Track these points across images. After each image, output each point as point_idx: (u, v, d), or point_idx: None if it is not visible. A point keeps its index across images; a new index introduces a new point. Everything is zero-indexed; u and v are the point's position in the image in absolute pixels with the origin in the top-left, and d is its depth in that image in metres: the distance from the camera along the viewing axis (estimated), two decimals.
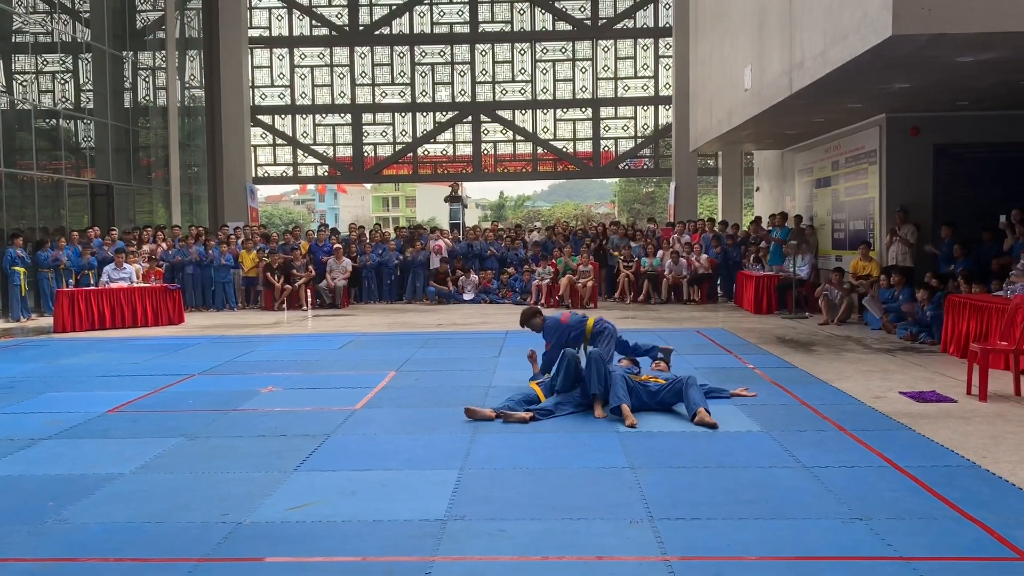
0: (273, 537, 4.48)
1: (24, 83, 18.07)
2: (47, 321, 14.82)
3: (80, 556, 4.24)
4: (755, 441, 6.29)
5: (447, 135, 25.89)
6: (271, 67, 25.74)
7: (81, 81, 19.89)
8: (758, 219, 18.60)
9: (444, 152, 26.08)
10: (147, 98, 22.84)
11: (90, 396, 8.31)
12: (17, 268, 15.21)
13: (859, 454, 5.90)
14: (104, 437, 6.70)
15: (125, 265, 15.14)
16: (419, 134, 25.77)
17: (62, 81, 19.32)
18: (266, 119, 25.77)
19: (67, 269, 15.78)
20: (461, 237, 20.63)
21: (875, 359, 9.98)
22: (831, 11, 10.09)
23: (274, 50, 25.67)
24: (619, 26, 25.12)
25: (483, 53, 25.49)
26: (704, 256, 17.49)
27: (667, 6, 24.75)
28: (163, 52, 22.90)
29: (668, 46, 24.77)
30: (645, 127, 25.44)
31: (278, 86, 25.79)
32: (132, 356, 10.98)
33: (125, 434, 6.77)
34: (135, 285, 14.83)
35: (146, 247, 17.30)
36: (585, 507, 4.83)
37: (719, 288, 17.92)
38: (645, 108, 25.37)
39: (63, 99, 19.21)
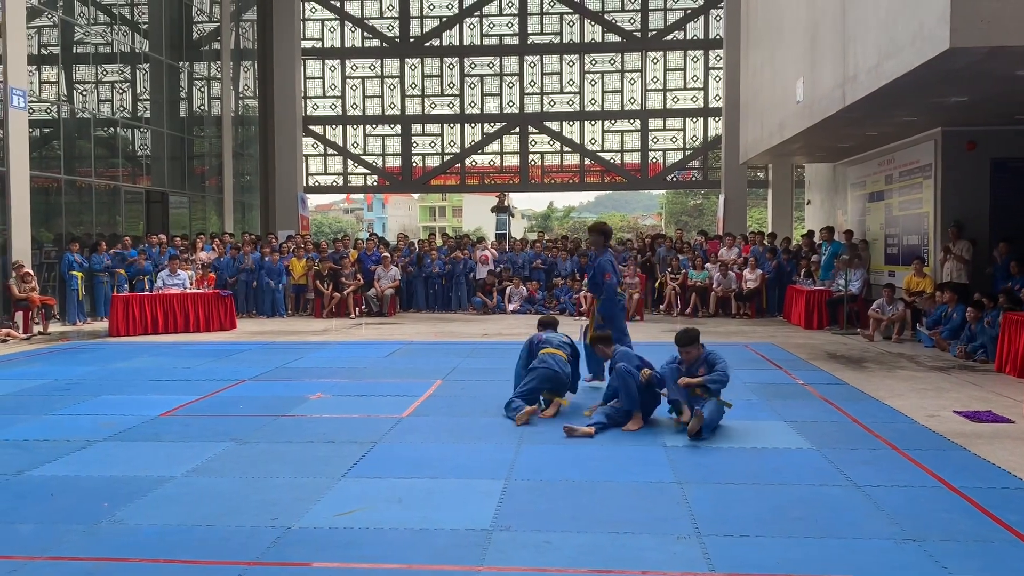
0: (321, 543, 4.52)
1: (84, 92, 18.54)
2: (102, 325, 15.16)
3: (133, 557, 4.32)
4: (805, 458, 6.20)
5: (495, 146, 25.99)
6: (323, 78, 26.10)
7: (139, 91, 20.35)
8: (810, 233, 18.36)
9: (491, 163, 26.18)
10: (202, 107, 23.30)
11: (143, 400, 8.48)
12: (75, 273, 15.59)
13: (912, 474, 5.79)
14: (157, 440, 6.83)
15: (179, 272, 15.44)
16: (467, 145, 25.92)
17: (120, 91, 19.78)
18: (317, 129, 26.13)
19: (116, 272, 16.16)
20: (508, 247, 20.67)
21: (928, 377, 9.78)
22: (886, 24, 9.95)
23: (326, 61, 26.04)
24: (669, 38, 25.03)
25: (532, 64, 25.57)
26: (758, 271, 17.25)
27: (718, 18, 24.62)
28: (218, 63, 23.37)
29: (718, 58, 24.62)
30: (694, 139, 25.30)
31: (330, 97, 26.14)
32: (184, 361, 11.18)
33: (177, 437, 6.89)
34: (188, 291, 15.11)
35: (202, 254, 17.64)
36: (631, 521, 4.81)
37: (768, 303, 17.68)
38: (694, 120, 25.22)
39: (121, 108, 19.67)
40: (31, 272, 14.73)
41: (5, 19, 14.81)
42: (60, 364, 11.01)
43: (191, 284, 15.52)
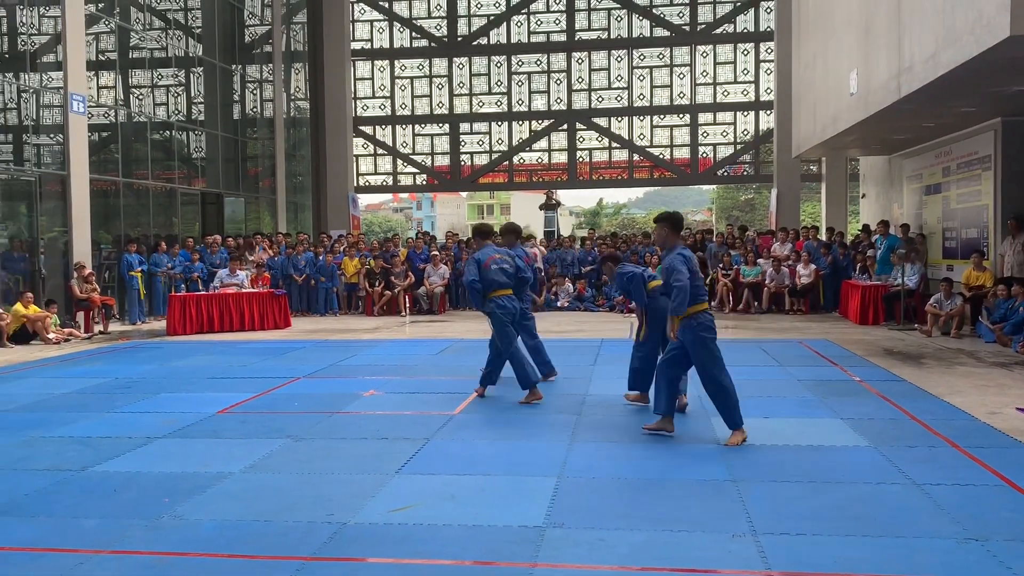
0: (376, 538, 4.57)
1: (140, 96, 18.96)
2: (160, 324, 15.49)
3: (194, 551, 4.41)
4: (862, 456, 6.10)
5: (542, 143, 25.99)
6: (372, 79, 26.34)
7: (193, 94, 20.75)
8: (866, 227, 18.03)
9: (539, 160, 26.18)
10: (255, 110, 23.67)
11: (201, 397, 8.64)
12: (134, 273, 15.95)
13: (973, 472, 5.66)
14: (215, 437, 6.96)
15: (238, 272, 15.75)
16: (515, 142, 25.95)
17: (175, 94, 20.18)
18: (367, 129, 26.38)
19: (174, 274, 16.50)
20: (556, 245, 20.65)
21: (990, 373, 9.55)
22: (943, 12, 9.73)
23: (375, 62, 26.27)
24: (718, 31, 24.78)
25: (579, 61, 25.50)
26: (812, 266, 16.99)
27: (768, 10, 24.30)
28: (270, 65, 23.71)
29: (769, 50, 24.31)
30: (745, 133, 25.01)
31: (379, 97, 26.37)
32: (240, 359, 11.38)
33: (234, 434, 7.02)
34: (243, 290, 15.38)
35: (263, 254, 17.95)
36: (686, 519, 4.78)
37: (823, 298, 17.39)
38: (745, 113, 24.93)
39: (176, 111, 20.07)
40: (92, 273, 15.11)
41: (65, 27, 15.21)
42: (120, 363, 11.28)
43: (247, 283, 15.79)
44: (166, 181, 19.35)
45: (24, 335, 13.34)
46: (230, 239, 18.74)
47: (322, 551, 4.38)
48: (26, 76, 15.44)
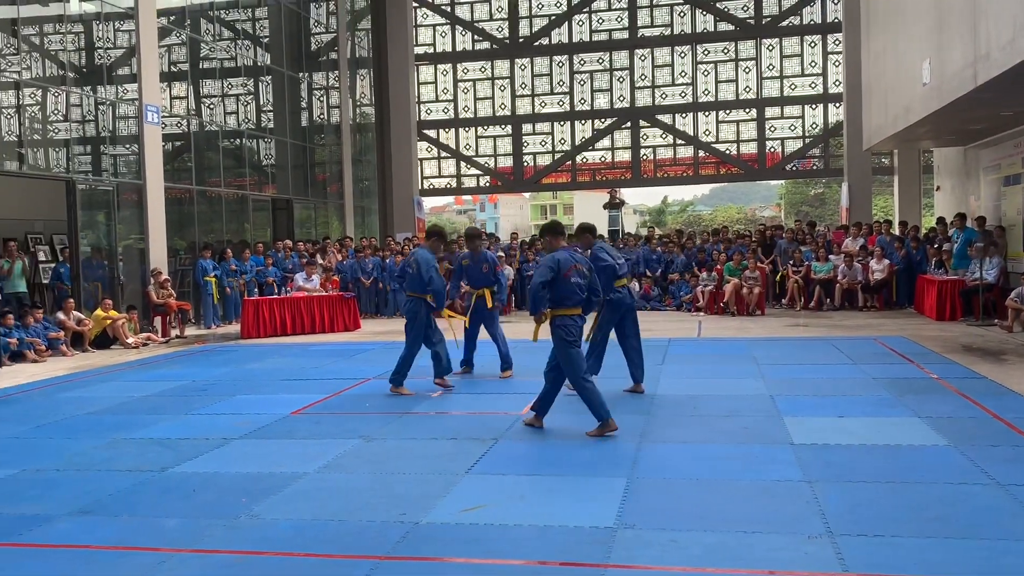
0: (448, 538, 4.61)
1: (211, 106, 19.41)
2: (235, 328, 15.85)
3: (272, 550, 4.51)
4: (942, 456, 5.94)
5: (605, 142, 25.87)
6: (435, 82, 26.56)
7: (262, 102, 21.18)
8: (941, 220, 17.53)
9: (602, 159, 26.07)
10: (322, 116, 24.05)
11: (275, 399, 8.82)
12: (209, 278, 16.36)
13: None
14: (289, 438, 7.09)
15: (313, 276, 16.06)
16: (577, 142, 25.89)
17: (245, 103, 20.62)
18: (431, 133, 26.60)
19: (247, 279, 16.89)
20: (621, 244, 20.52)
21: None
22: None
23: (438, 66, 26.47)
24: (784, 23, 24.34)
25: (642, 58, 25.32)
26: (885, 261, 16.58)
27: (835, 1, 23.78)
28: (336, 72, 24.08)
29: (837, 42, 23.79)
30: (814, 126, 24.53)
31: (442, 100, 26.57)
32: (312, 361, 11.58)
33: (308, 435, 7.15)
34: (315, 294, 15.65)
35: (332, 258, 18.26)
36: (759, 520, 4.71)
37: (897, 294, 16.94)
38: (813, 107, 24.45)
39: (246, 120, 20.52)
40: (168, 279, 15.55)
41: (139, 40, 15.67)
42: (197, 366, 11.58)
43: (318, 287, 16.08)
44: (238, 188, 19.79)
45: (104, 340, 13.79)
46: (301, 243, 19.10)
47: (395, 550, 4.44)
48: (103, 89, 15.95)
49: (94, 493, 5.61)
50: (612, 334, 8.67)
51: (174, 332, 15.16)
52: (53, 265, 15.55)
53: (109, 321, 13.77)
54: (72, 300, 13.74)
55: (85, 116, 15.77)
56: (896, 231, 18.01)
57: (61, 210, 14.67)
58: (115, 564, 4.37)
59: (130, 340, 13.82)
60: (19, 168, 14.58)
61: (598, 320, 8.52)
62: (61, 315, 13.44)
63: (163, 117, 16.56)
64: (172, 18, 17.86)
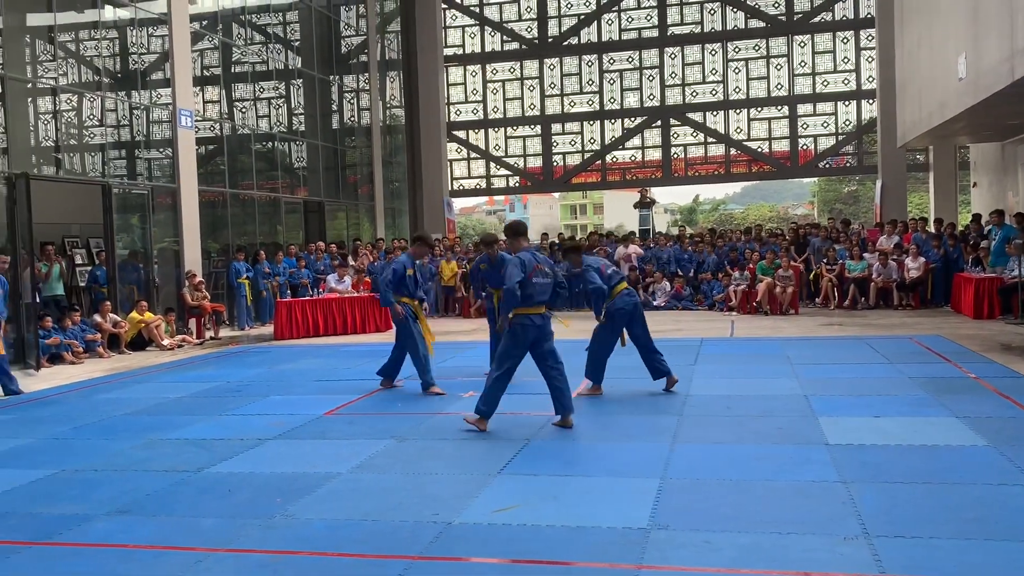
0: (481, 538, 4.62)
1: (243, 110, 19.60)
2: (268, 329, 15.99)
3: (306, 550, 4.54)
4: (980, 456, 5.85)
5: (635, 140, 25.78)
6: (465, 83, 26.62)
7: (293, 105, 21.34)
8: (977, 216, 17.27)
9: (632, 158, 25.98)
10: (352, 119, 24.21)
11: (309, 399, 8.89)
12: (242, 280, 16.51)
13: None
14: (322, 438, 7.15)
15: (345, 277, 16.18)
16: (607, 141, 25.82)
17: (276, 106, 20.80)
18: (460, 134, 26.67)
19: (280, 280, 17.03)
20: (652, 243, 20.44)
21: None
22: None
23: (467, 67, 26.53)
24: (816, 20, 24.12)
25: (672, 56, 25.20)
26: (921, 259, 16.35)
27: None
28: (366, 74, 24.22)
29: (870, 37, 23.52)
30: (847, 123, 24.27)
31: (472, 101, 26.62)
32: (345, 361, 11.65)
33: (341, 435, 7.20)
34: (347, 295, 15.75)
35: (367, 256, 18.37)
36: (794, 521, 4.66)
37: (933, 292, 16.70)
38: (846, 103, 24.19)
39: (278, 123, 20.69)
40: (203, 281, 15.71)
41: (172, 45, 15.86)
42: (231, 367, 11.69)
43: (350, 288, 16.18)
44: (270, 191, 19.96)
45: (140, 342, 13.97)
46: (332, 245, 19.23)
47: (429, 550, 4.45)
48: (137, 94, 16.16)
49: (132, 493, 5.69)
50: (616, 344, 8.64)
51: (208, 334, 15.32)
52: (90, 268, 15.78)
53: (144, 324, 13.95)
54: (108, 303, 13.94)
55: (120, 121, 15.99)
56: (931, 228, 17.76)
57: (97, 214, 14.88)
58: (153, 563, 4.43)
59: (165, 342, 13.99)
60: (56, 173, 14.81)
61: (596, 332, 8.52)
62: (98, 317, 13.64)
63: (196, 121, 16.75)
64: (204, 23, 18.05)
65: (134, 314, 14.03)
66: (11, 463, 6.66)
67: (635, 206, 25.35)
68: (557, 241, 20.17)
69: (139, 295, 15.01)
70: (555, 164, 26.28)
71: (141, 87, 16.22)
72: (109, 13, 15.78)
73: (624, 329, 8.54)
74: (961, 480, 5.32)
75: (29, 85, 14.28)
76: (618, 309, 8.40)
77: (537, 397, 8.54)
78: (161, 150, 16.52)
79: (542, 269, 7.20)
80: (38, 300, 12.61)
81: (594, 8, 25.47)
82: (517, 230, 7.68)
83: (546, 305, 7.25)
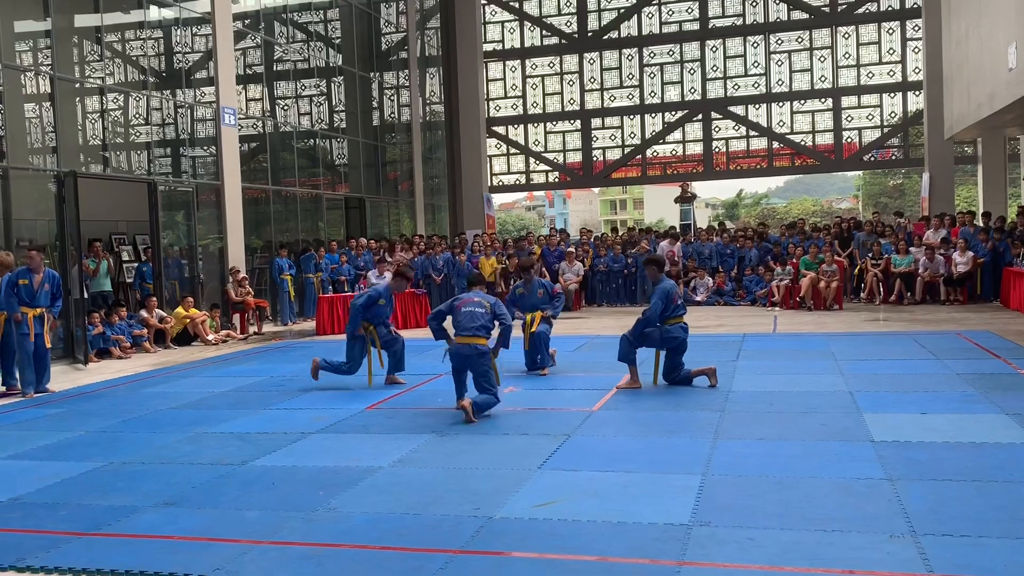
0: (521, 533, 4.62)
1: (285, 107, 19.81)
2: (310, 325, 16.15)
3: (349, 543, 4.57)
4: None
5: (676, 135, 25.59)
6: (504, 79, 26.62)
7: (334, 103, 21.52)
8: (1022, 210, 16.89)
9: (673, 152, 25.80)
10: (392, 115, 24.34)
11: (350, 394, 8.96)
12: (285, 276, 16.70)
13: None
14: (364, 432, 7.20)
15: (385, 272, 16.25)
16: (648, 135, 25.66)
17: (318, 104, 20.99)
18: (500, 130, 26.68)
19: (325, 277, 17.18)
20: (693, 238, 20.29)
21: None
22: None
23: (507, 62, 26.53)
24: (861, 10, 23.74)
25: (713, 49, 24.97)
26: (969, 253, 16.03)
27: None
28: (406, 71, 24.33)
29: (916, 28, 23.10)
30: (892, 115, 23.86)
31: (511, 97, 26.62)
32: (385, 357, 11.67)
33: (382, 430, 7.24)
34: None
35: (403, 255, 18.48)
36: (839, 519, 4.60)
37: (982, 287, 16.36)
38: (892, 95, 23.79)
39: (319, 120, 20.88)
40: (246, 277, 15.91)
41: (216, 44, 16.07)
42: (274, 362, 11.83)
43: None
44: (312, 187, 20.15)
45: (185, 337, 14.19)
46: (372, 241, 19.36)
47: (470, 544, 4.46)
48: (181, 92, 16.41)
49: (179, 486, 5.78)
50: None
51: (252, 329, 15.51)
52: (136, 264, 16.06)
53: (189, 319, 14.17)
54: (155, 298, 14.18)
55: (165, 119, 16.25)
56: (980, 222, 17.40)
57: (143, 211, 15.15)
58: (198, 554, 4.49)
59: (210, 337, 14.19)
60: (103, 171, 15.09)
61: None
62: (144, 313, 13.88)
63: (239, 119, 16.95)
64: (247, 22, 18.26)
65: (180, 310, 14.25)
66: (62, 455, 6.80)
67: (676, 201, 25.11)
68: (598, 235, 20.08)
69: (184, 291, 15.25)
70: (595, 159, 26.19)
71: (185, 86, 16.46)
72: (154, 13, 16.03)
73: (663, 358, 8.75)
74: (1010, 478, 5.21)
75: (77, 85, 14.56)
76: (673, 337, 8.58)
77: (577, 393, 8.54)
78: (205, 148, 16.76)
79: (477, 301, 7.75)
80: (86, 296, 12.88)
81: (634, 2, 25.31)
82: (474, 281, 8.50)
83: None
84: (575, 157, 26.39)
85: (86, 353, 12.19)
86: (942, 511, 4.66)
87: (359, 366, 9.39)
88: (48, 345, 10.05)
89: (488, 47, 26.53)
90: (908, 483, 5.17)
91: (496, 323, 7.78)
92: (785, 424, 6.84)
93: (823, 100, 24.27)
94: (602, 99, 25.99)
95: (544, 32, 26.19)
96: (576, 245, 19.37)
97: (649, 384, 8.71)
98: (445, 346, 7.96)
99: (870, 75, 23.90)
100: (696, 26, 24.98)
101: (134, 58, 15.85)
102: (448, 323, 7.97)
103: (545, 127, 26.53)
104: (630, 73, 25.67)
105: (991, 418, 6.75)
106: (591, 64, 25.96)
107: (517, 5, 26.23)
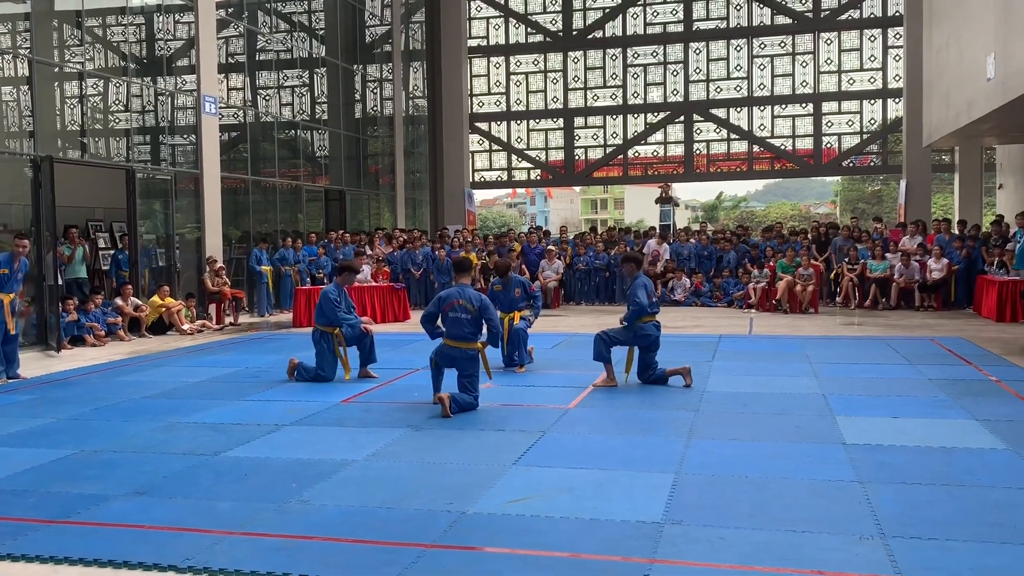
0: (494, 528, 4.62)
1: (267, 97, 19.68)
2: (287, 316, 16.07)
3: (320, 535, 4.56)
4: (1000, 459, 5.79)
5: (658, 136, 25.68)
6: (488, 75, 26.60)
7: (316, 94, 21.40)
8: (999, 219, 17.09)
9: (655, 153, 25.89)
10: (375, 108, 24.25)
11: (326, 387, 8.93)
12: (263, 268, 16.60)
13: None
14: (339, 425, 7.18)
15: (364, 266, 16.21)
16: (630, 136, 25.73)
17: (300, 95, 20.87)
18: (483, 126, 26.65)
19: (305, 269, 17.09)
20: (672, 239, 20.36)
21: None
22: None
23: (491, 58, 26.50)
24: (843, 17, 23.92)
25: (697, 51, 25.07)
26: (944, 260, 16.19)
27: None
28: (389, 65, 24.25)
29: (898, 36, 23.31)
30: (872, 122, 24.07)
31: (494, 93, 26.61)
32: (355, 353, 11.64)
33: (357, 423, 7.22)
34: (365, 284, 15.78)
35: (383, 248, 18.42)
36: (810, 520, 4.64)
37: (955, 294, 16.53)
38: (872, 102, 23.99)
39: (300, 111, 20.76)
40: (223, 267, 15.81)
41: (198, 32, 15.94)
42: (249, 353, 11.76)
43: (369, 277, 16.22)
44: (292, 179, 20.04)
45: (161, 326, 14.08)
46: (348, 235, 19.27)
47: (443, 539, 4.46)
48: (162, 80, 16.26)
49: (150, 475, 5.73)
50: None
51: (228, 319, 15.42)
52: (112, 252, 15.91)
53: (165, 308, 14.06)
54: (130, 286, 14.05)
55: (145, 106, 16.10)
56: (955, 230, 17.60)
57: (121, 198, 15.00)
58: (169, 544, 4.46)
59: (185, 326, 14.09)
60: (81, 157, 14.94)
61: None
62: (119, 301, 13.75)
63: (220, 108, 16.82)
64: (230, 10, 18.13)
65: (155, 298, 14.14)
66: (32, 442, 6.73)
67: (656, 201, 25.20)
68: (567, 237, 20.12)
69: (160, 279, 15.12)
70: (577, 158, 26.23)
71: (166, 73, 16.31)
72: None
73: (636, 356, 8.79)
74: (979, 483, 5.27)
75: (56, 69, 14.40)
76: (646, 335, 8.62)
77: (554, 390, 8.55)
78: (185, 136, 16.62)
79: (463, 304, 7.63)
80: (60, 282, 12.74)
81: (619, 2, 25.36)
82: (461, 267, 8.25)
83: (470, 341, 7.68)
84: (557, 155, 26.42)
85: (59, 340, 12.06)
86: (911, 514, 4.71)
87: (334, 372, 9.33)
88: (12, 331, 9.81)
89: (472, 43, 26.49)
90: (878, 486, 5.22)
91: (485, 325, 7.71)
92: (758, 425, 6.88)
93: (804, 105, 24.44)
94: (585, 98, 26.03)
95: (529, 29, 26.20)
96: (555, 243, 19.40)
97: (624, 381, 8.73)
98: (434, 348, 7.94)
99: (851, 81, 24.09)
100: (680, 28, 25.07)
101: (115, 44, 15.68)
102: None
103: (528, 124, 26.54)
104: (613, 73, 25.73)
105: (961, 423, 6.83)
106: (575, 63, 25.99)
107: (502, 1, 26.21)
